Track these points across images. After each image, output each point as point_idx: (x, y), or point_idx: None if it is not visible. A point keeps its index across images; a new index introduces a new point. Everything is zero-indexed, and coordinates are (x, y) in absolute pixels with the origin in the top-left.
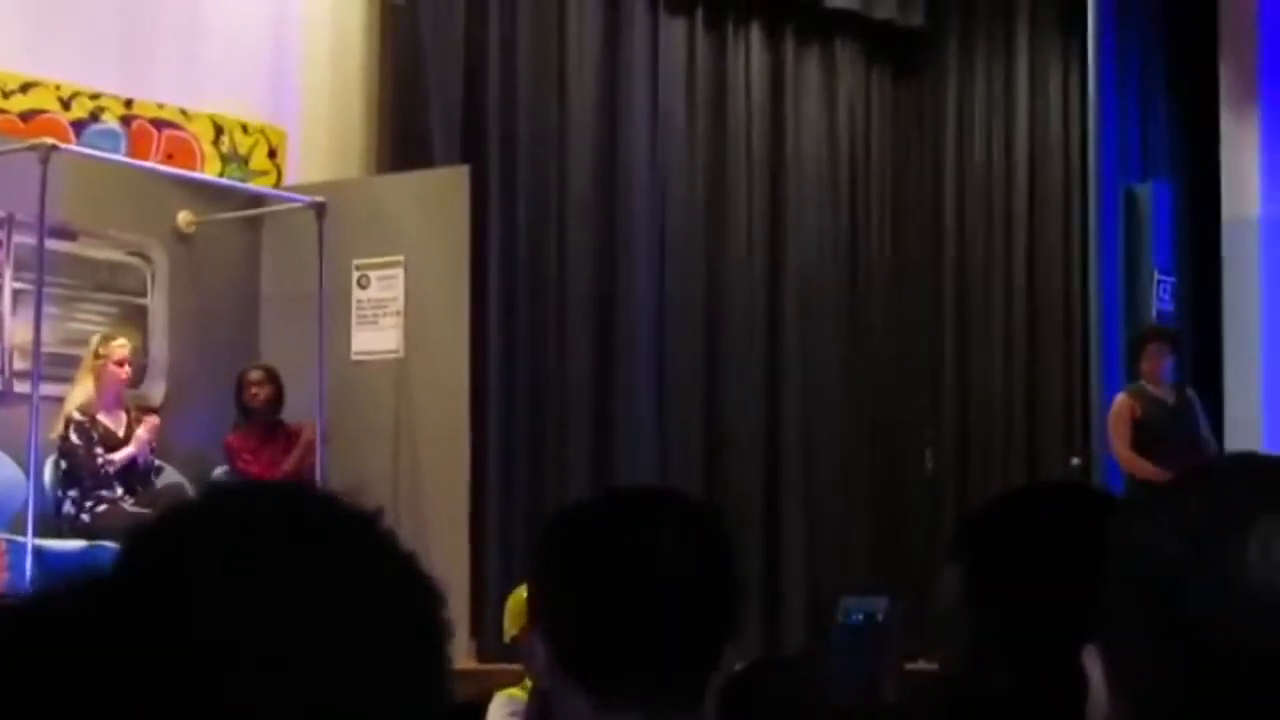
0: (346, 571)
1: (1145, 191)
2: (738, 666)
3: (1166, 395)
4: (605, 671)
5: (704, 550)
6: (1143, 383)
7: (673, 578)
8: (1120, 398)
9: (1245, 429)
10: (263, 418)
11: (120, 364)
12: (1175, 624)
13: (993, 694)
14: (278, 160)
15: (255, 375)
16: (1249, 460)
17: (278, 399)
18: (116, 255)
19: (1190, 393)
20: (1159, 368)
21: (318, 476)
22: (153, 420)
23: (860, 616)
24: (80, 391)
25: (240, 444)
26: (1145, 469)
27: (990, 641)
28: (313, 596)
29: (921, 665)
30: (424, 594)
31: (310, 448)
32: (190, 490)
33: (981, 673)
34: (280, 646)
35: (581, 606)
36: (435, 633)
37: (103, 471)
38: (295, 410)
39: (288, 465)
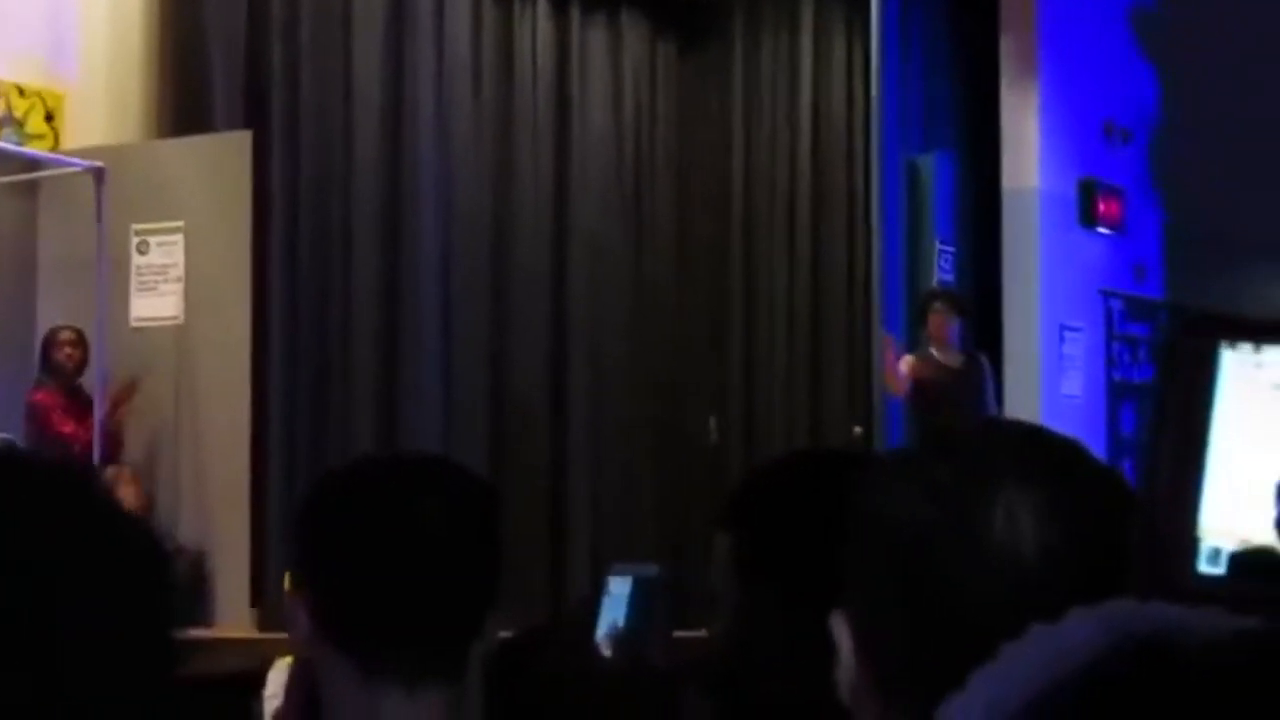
0: (45, 531)
1: (927, 162)
2: (504, 635)
3: (953, 360)
4: (363, 639)
5: (466, 517)
6: (930, 348)
7: (432, 545)
8: (906, 357)
9: (1023, 399)
10: (70, 380)
11: None
12: (922, 587)
13: (756, 661)
14: (55, 124)
15: (68, 335)
16: (997, 426)
17: (85, 362)
18: None
19: (983, 360)
20: (943, 330)
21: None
22: None
23: (628, 582)
24: None
25: (51, 401)
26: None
27: (754, 609)
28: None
29: (698, 633)
30: (133, 555)
31: (117, 407)
32: None
33: (745, 640)
34: None
35: (340, 573)
36: (151, 595)
37: None
38: None
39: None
